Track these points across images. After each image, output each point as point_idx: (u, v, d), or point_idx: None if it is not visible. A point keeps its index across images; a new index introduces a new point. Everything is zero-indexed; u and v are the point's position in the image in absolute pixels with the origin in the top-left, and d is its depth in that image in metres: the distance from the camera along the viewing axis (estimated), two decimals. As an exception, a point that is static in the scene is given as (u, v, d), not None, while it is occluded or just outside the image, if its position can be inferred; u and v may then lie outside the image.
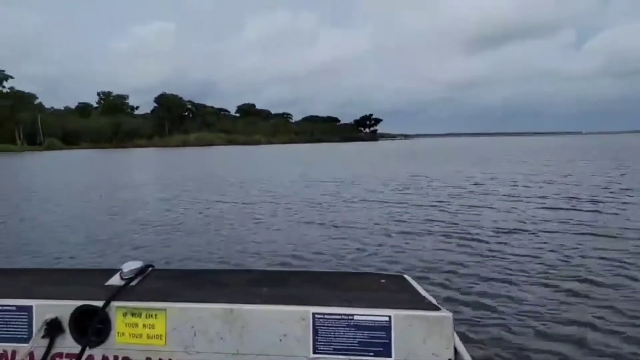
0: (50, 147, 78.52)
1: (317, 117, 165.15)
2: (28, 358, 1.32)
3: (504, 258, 5.44)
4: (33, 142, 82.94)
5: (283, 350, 1.26)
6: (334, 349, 1.26)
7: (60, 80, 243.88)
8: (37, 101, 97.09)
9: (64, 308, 1.34)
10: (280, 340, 1.26)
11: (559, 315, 3.73)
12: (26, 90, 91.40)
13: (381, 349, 1.24)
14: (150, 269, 1.62)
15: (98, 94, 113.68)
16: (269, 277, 1.63)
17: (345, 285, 1.49)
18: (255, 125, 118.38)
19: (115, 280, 1.49)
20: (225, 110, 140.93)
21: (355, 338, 1.25)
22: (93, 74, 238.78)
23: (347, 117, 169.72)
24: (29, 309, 1.35)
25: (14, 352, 1.34)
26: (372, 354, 1.25)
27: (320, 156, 39.03)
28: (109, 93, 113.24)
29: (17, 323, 1.36)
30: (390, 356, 1.24)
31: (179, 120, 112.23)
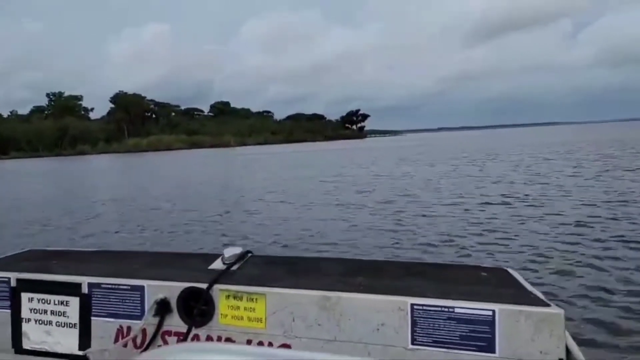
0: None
1: (302, 114, 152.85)
2: (141, 334, 1.41)
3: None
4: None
5: (381, 339, 1.24)
6: (434, 341, 1.22)
7: (57, 85, 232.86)
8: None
9: (172, 289, 1.40)
10: (378, 329, 1.25)
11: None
12: (22, 97, 78.44)
13: (484, 344, 1.18)
14: (250, 254, 1.65)
15: (47, 95, 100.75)
16: (365, 267, 1.59)
17: (444, 277, 1.44)
18: (227, 125, 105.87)
19: (218, 265, 1.54)
20: (199, 110, 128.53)
21: (455, 331, 1.20)
22: (87, 78, 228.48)
23: (341, 114, 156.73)
24: (141, 289, 1.43)
25: (129, 328, 1.43)
26: (474, 348, 1.19)
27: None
28: (60, 94, 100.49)
29: (131, 301, 1.44)
30: (494, 352, 1.18)
31: (140, 122, 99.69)
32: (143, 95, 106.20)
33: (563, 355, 1.14)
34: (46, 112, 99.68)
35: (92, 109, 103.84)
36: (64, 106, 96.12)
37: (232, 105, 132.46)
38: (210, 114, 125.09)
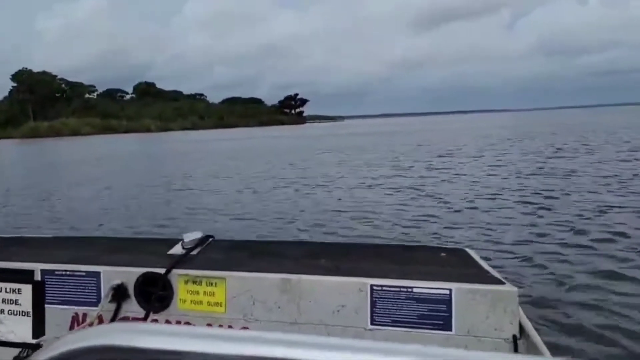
0: None
1: (238, 98, 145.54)
2: (97, 321, 1.37)
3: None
4: None
5: (341, 320, 1.26)
6: (393, 321, 1.24)
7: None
8: None
9: (129, 274, 1.38)
10: (338, 311, 1.26)
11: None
12: None
13: (441, 322, 1.21)
14: (211, 239, 1.62)
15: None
16: (327, 249, 1.60)
17: (404, 258, 1.46)
18: (150, 108, 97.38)
19: (177, 250, 1.52)
20: (122, 92, 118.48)
21: (414, 311, 1.23)
22: (17, 56, 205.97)
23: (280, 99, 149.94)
24: (97, 275, 1.41)
25: (84, 315, 1.41)
26: (431, 327, 1.22)
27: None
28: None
29: (87, 288, 1.41)
30: (450, 330, 1.21)
31: (50, 104, 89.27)
32: (54, 73, 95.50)
33: (516, 332, 1.17)
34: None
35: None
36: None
37: (172, 89, 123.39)
38: (133, 95, 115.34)
